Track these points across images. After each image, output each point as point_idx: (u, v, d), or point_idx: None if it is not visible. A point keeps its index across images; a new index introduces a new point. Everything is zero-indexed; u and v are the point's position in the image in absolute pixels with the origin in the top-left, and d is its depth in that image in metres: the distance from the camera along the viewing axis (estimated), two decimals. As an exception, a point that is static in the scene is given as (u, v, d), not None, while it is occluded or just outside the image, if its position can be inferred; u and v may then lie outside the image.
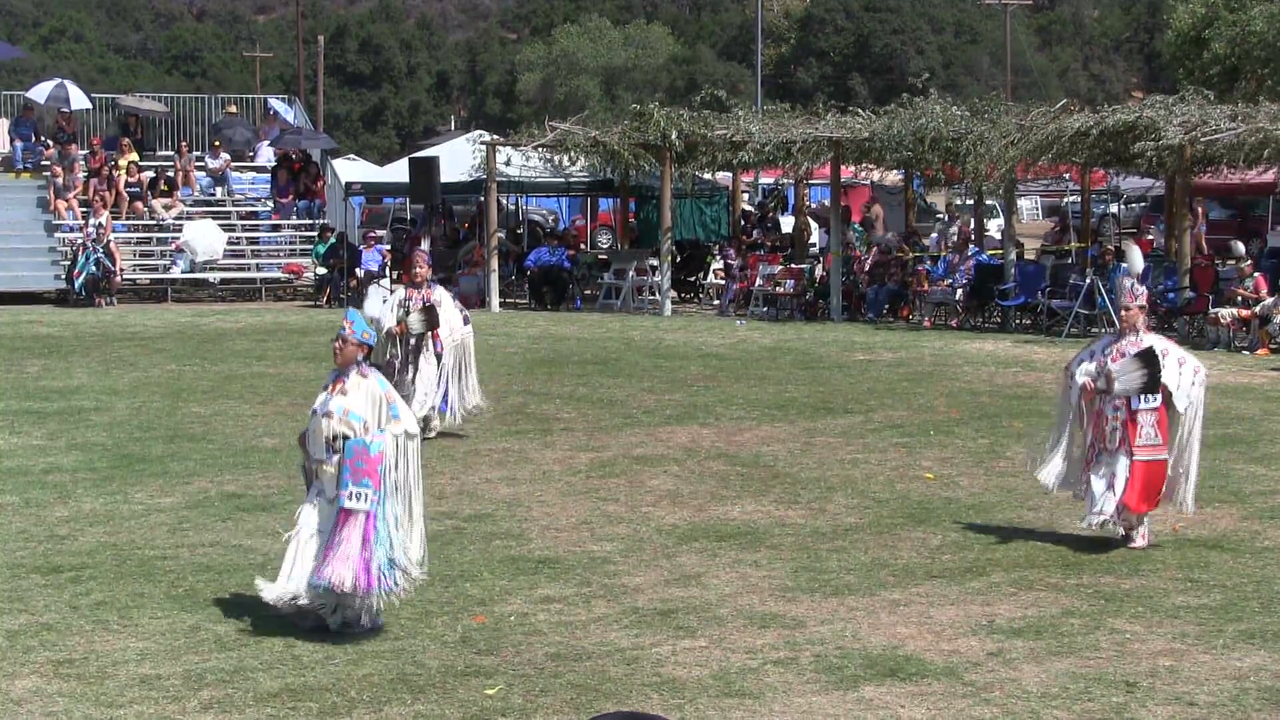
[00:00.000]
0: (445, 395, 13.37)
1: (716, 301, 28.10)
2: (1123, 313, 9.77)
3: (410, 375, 13.21)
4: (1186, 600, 8.48)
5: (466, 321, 13.63)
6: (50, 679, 7.21)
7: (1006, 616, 8.17)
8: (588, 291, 28.31)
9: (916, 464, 12.46)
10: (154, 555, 9.48)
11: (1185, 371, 9.62)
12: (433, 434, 13.22)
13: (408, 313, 13.22)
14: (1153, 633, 7.89)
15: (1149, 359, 9.44)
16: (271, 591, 7.88)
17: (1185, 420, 9.64)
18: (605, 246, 35.35)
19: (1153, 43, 77.70)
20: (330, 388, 8.00)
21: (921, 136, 24.63)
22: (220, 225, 30.62)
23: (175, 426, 14.24)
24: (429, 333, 13.23)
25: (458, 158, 29.78)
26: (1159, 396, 9.52)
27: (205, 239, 29.71)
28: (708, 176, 32.03)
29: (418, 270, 13.52)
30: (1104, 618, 8.14)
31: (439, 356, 13.29)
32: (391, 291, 14.92)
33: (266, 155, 33.64)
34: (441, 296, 13.52)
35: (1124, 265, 10.33)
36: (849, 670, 7.30)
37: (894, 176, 33.09)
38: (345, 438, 7.82)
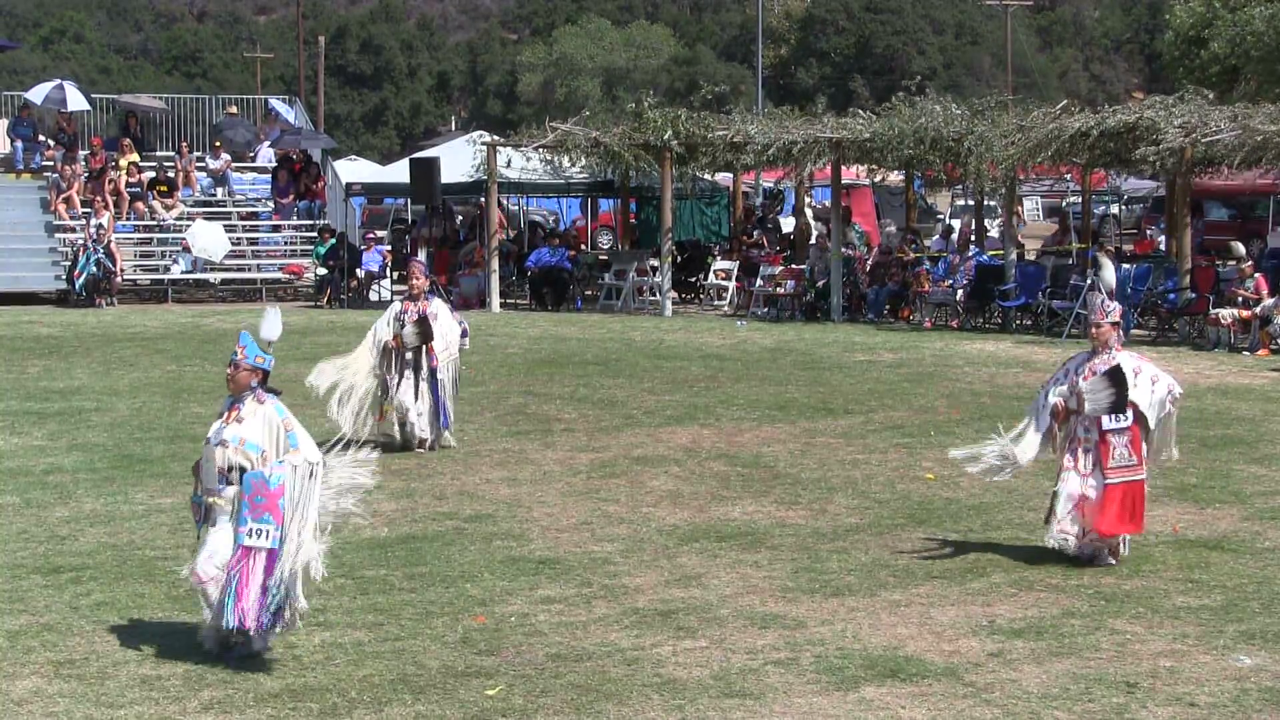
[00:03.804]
0: (445, 410, 13.14)
1: (718, 302, 28.08)
2: (1093, 330, 9.46)
3: (402, 389, 13.11)
4: (1187, 601, 8.48)
5: (465, 335, 13.53)
6: (51, 679, 7.21)
7: (1007, 617, 8.17)
8: (588, 292, 28.30)
9: (917, 464, 12.46)
10: (154, 556, 9.49)
11: (1159, 390, 9.34)
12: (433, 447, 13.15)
13: (404, 325, 13.05)
14: (1153, 633, 7.89)
15: (1117, 378, 9.20)
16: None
17: (1155, 435, 9.37)
18: (607, 246, 35.34)
19: (1153, 43, 77.66)
20: (225, 416, 7.65)
21: (921, 137, 24.59)
22: (221, 226, 30.63)
23: (176, 427, 14.25)
24: (424, 346, 13.05)
25: (458, 158, 29.77)
26: (1129, 416, 9.24)
27: (208, 240, 29.70)
28: (708, 177, 32.00)
29: (414, 282, 13.39)
30: (1104, 618, 8.14)
31: (433, 372, 13.04)
32: (392, 299, 14.79)
33: (267, 156, 33.62)
34: (439, 309, 13.34)
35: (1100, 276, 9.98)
36: (849, 671, 7.30)
37: (895, 177, 33.07)
38: (242, 469, 7.46)
